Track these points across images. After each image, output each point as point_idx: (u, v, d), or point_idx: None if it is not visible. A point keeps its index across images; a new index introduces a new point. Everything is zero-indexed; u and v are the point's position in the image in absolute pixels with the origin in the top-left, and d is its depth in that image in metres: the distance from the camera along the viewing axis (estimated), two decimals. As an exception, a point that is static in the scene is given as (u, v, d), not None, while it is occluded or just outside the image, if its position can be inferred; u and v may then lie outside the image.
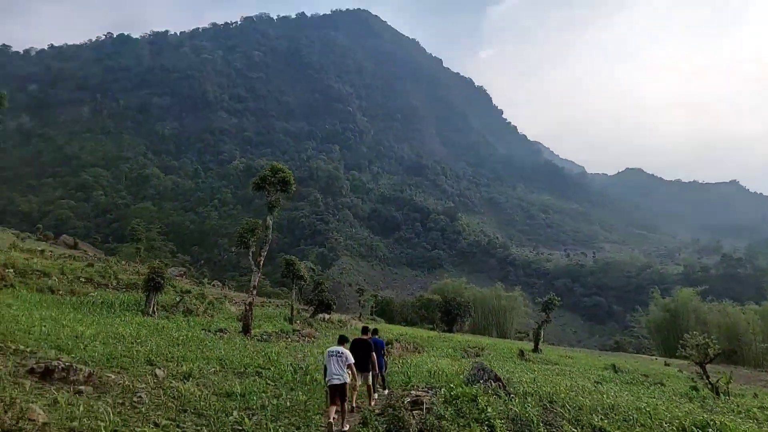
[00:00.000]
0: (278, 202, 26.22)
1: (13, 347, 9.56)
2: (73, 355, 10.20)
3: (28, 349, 9.80)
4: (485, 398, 10.61)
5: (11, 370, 7.62)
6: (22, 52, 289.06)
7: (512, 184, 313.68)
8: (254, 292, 25.03)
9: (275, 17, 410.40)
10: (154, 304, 26.95)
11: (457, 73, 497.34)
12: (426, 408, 9.62)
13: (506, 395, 12.68)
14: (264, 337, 23.76)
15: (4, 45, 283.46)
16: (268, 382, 11.55)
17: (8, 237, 55.09)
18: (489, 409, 9.83)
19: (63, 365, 8.06)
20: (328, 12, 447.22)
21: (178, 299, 32.75)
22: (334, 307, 44.08)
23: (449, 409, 9.70)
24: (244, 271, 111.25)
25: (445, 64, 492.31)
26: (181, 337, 16.46)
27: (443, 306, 72.26)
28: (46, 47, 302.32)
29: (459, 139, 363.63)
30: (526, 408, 10.81)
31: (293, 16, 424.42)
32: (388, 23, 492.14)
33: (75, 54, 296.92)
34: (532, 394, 13.11)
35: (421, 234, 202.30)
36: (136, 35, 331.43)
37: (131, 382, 8.90)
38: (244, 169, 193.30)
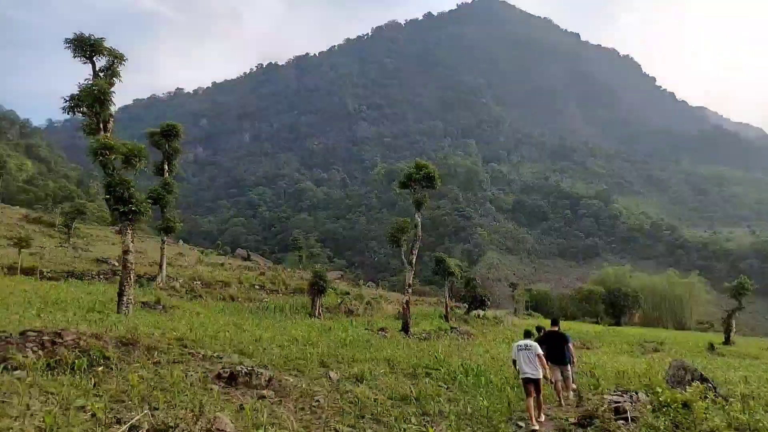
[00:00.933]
0: (425, 199, 25.89)
1: (202, 353, 10.22)
2: (254, 359, 10.65)
3: (215, 354, 10.43)
4: (702, 405, 8.71)
5: (200, 376, 7.99)
6: (191, 92, 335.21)
7: (675, 157, 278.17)
8: (410, 291, 24.97)
9: (403, 22, 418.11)
10: (319, 306, 28.43)
11: (598, 45, 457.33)
12: (630, 417, 8.13)
13: (723, 400, 10.45)
14: (424, 335, 23.52)
15: (178, 88, 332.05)
16: (440, 384, 10.96)
17: (194, 254, 63.16)
18: (714, 419, 8.01)
19: (246, 370, 8.28)
20: (454, 7, 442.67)
21: (339, 301, 34.34)
22: (489, 303, 42.68)
23: (661, 419, 8.09)
24: (394, 271, 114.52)
25: (583, 38, 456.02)
26: (348, 338, 16.78)
27: (607, 297, 66.28)
28: (210, 85, 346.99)
29: (607, 116, 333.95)
30: (754, 416, 8.70)
31: (420, 17, 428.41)
32: (516, 6, 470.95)
33: (233, 87, 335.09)
34: (753, 398, 10.70)
35: (572, 222, 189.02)
36: (281, 62, 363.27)
37: (308, 386, 8.90)
38: (386, 173, 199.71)
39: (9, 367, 7.15)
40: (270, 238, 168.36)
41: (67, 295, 20.15)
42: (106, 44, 18.02)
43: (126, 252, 17.24)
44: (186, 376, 7.86)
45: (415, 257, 25.55)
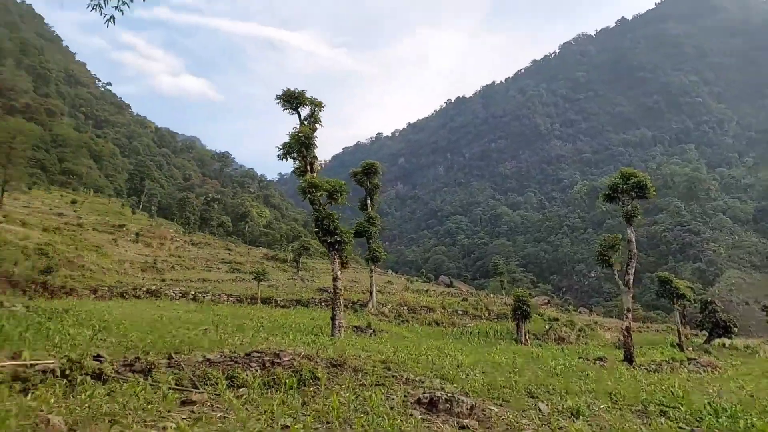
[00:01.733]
0: (637, 211, 22.73)
1: (405, 376, 10.17)
2: (455, 385, 10.22)
3: (416, 378, 10.28)
4: None
5: (400, 400, 7.82)
6: (390, 134, 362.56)
7: None
8: (629, 315, 21.86)
9: (593, 32, 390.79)
10: (525, 332, 26.91)
11: None
12: None
13: None
14: (653, 366, 20.22)
15: (378, 133, 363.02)
16: (680, 425, 8.98)
17: (401, 281, 66.57)
18: None
19: (446, 396, 7.88)
20: (652, 6, 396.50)
21: (547, 327, 32.13)
22: (735, 329, 35.20)
23: None
24: (608, 296, 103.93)
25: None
26: (558, 367, 15.24)
27: None
28: (405, 126, 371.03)
29: None
30: None
31: (612, 24, 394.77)
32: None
33: (426, 125, 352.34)
34: None
35: None
36: (468, 94, 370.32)
37: (515, 417, 8.06)
38: (587, 191, 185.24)
39: (234, 384, 7.99)
40: (470, 265, 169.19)
41: (293, 320, 22.69)
42: (307, 95, 20.50)
43: (335, 279, 18.77)
44: (387, 398, 7.81)
45: (632, 278, 22.43)
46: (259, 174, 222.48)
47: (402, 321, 30.94)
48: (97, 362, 7.83)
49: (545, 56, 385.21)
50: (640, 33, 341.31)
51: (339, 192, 19.27)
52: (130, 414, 5.48)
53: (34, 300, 20.35)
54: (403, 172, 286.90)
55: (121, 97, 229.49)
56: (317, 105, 20.87)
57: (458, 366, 13.22)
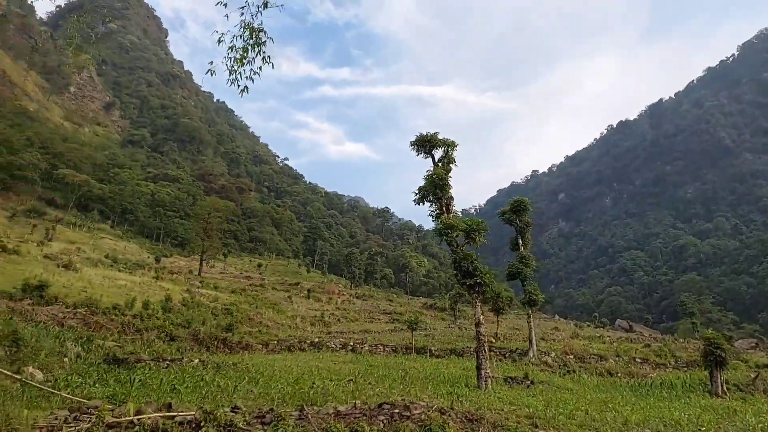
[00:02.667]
0: None
1: None
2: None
3: None
4: None
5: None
6: (546, 170, 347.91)
7: None
8: None
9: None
10: (721, 383, 22.34)
11: None
12: None
13: None
14: None
15: (533, 170, 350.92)
16: None
17: (569, 328, 61.28)
18: None
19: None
20: None
21: (753, 375, 26.32)
22: None
23: None
24: None
25: None
26: (760, 425, 12.13)
27: None
28: (563, 159, 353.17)
29: None
30: None
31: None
32: None
33: (585, 156, 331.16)
34: None
35: None
36: (632, 116, 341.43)
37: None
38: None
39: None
40: (653, 306, 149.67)
41: (444, 371, 21.97)
42: (440, 137, 20.44)
43: (478, 324, 17.78)
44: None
45: None
46: (416, 225, 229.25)
47: (567, 371, 27.98)
48: (232, 413, 8.30)
49: (722, 61, 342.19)
50: None
51: (477, 231, 18.55)
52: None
53: (214, 355, 22.95)
54: (564, 208, 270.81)
55: (296, 169, 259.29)
56: (450, 145, 20.66)
57: (624, 424, 11.31)
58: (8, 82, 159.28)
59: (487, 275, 17.85)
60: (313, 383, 13.15)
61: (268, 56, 8.27)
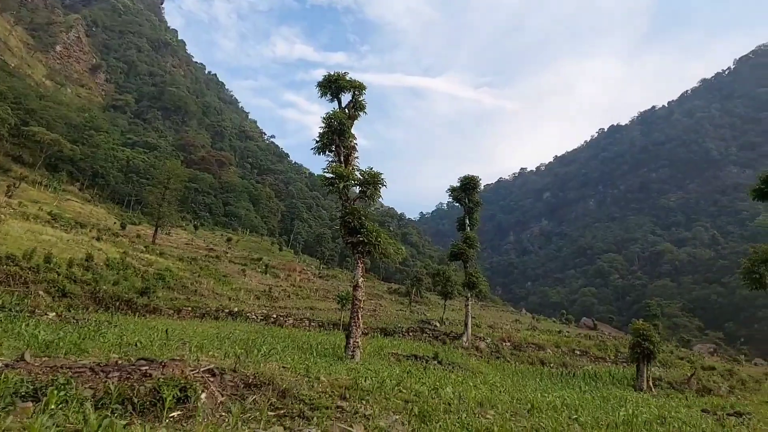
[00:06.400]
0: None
1: (362, 411, 7.24)
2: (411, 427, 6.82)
3: (368, 414, 7.25)
4: None
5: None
6: (534, 169, 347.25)
7: None
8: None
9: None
10: (647, 377, 20.78)
11: None
12: None
13: None
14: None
15: (521, 168, 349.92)
16: None
17: (528, 320, 60.02)
18: None
19: None
20: None
21: (689, 374, 24.97)
22: None
23: None
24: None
25: None
26: (642, 416, 10.29)
27: None
28: (551, 159, 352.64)
29: None
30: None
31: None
32: None
33: (574, 157, 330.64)
34: None
35: None
36: (624, 122, 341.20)
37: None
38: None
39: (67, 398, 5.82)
40: (624, 308, 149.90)
41: (335, 342, 20.15)
42: (348, 78, 17.76)
43: (356, 287, 15.77)
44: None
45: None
46: (398, 213, 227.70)
47: (497, 358, 26.38)
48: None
49: (717, 73, 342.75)
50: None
51: (373, 184, 16.36)
52: None
53: (103, 315, 20.82)
54: (548, 207, 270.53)
55: (282, 148, 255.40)
56: (358, 88, 18.03)
57: (480, 404, 9.46)
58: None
59: (374, 234, 15.69)
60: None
61: None
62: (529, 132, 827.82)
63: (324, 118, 17.27)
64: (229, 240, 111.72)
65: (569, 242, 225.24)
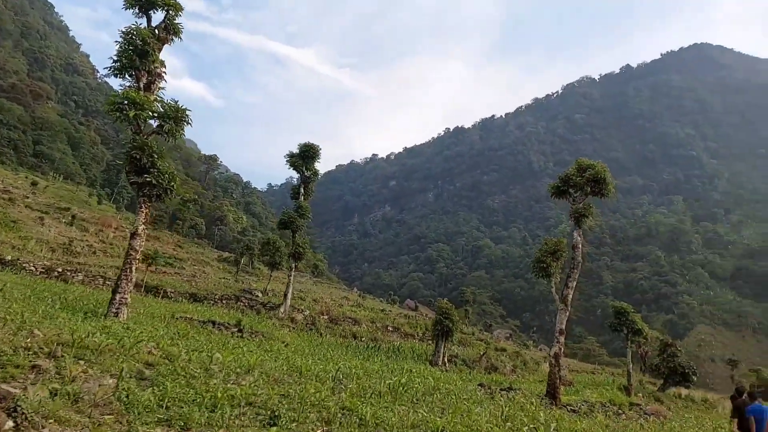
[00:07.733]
0: (589, 211, 18.35)
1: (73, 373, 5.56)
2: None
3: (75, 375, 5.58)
4: None
5: None
6: (385, 157, 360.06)
7: None
8: (561, 339, 17.08)
9: (597, 77, 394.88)
10: (443, 354, 22.05)
11: None
12: None
13: None
14: (582, 407, 15.46)
15: (373, 154, 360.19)
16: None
17: (354, 297, 61.47)
18: None
19: None
20: (657, 56, 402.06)
21: (482, 352, 27.39)
22: (695, 378, 30.32)
23: None
24: (577, 339, 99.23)
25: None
26: (416, 385, 10.39)
27: None
28: (401, 150, 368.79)
29: None
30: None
31: (617, 71, 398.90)
32: (736, 50, 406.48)
33: (422, 151, 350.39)
34: None
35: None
36: (468, 125, 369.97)
37: None
38: (570, 232, 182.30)
39: None
40: (445, 294, 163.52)
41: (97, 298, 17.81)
42: None
43: (133, 235, 13.74)
44: None
45: (572, 292, 17.87)
46: (244, 180, 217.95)
47: (310, 329, 26.05)
48: None
49: (547, 95, 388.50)
50: (643, 82, 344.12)
51: (174, 119, 13.97)
52: None
53: None
54: (393, 194, 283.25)
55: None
56: (174, 7, 15.41)
57: (249, 371, 8.46)
58: None
59: (167, 176, 13.63)
60: None
61: None
62: (384, 120, 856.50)
63: (122, 32, 14.30)
64: (35, 184, 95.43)
65: (406, 229, 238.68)
